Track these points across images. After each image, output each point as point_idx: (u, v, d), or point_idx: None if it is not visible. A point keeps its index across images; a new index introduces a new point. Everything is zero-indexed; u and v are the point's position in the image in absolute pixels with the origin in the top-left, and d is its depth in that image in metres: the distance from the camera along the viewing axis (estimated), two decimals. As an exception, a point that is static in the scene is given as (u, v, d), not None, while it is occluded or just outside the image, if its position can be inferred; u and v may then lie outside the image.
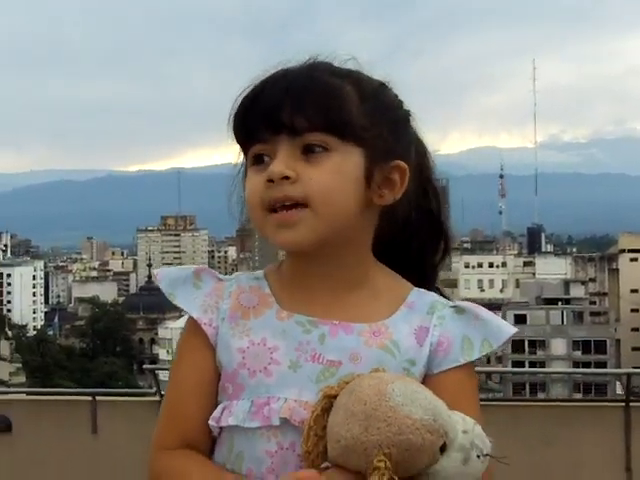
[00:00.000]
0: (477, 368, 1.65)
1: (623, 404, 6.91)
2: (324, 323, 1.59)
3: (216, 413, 1.58)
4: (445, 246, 1.74)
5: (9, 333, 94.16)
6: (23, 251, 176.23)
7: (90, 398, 7.43)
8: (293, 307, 1.61)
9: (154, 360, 76.24)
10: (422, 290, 1.66)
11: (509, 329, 1.64)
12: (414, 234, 1.70)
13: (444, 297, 1.69)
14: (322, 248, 1.57)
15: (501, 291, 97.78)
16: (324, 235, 1.56)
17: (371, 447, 1.38)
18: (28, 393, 9.77)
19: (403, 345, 1.58)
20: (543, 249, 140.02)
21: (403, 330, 1.60)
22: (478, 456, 1.44)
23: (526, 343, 70.93)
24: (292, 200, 1.53)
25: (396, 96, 1.66)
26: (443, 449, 1.41)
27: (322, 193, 1.53)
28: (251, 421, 1.54)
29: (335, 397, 1.45)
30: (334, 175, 1.54)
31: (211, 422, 1.58)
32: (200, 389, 1.61)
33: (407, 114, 1.67)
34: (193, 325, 1.64)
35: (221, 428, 1.58)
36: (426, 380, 1.56)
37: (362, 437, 1.38)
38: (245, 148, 1.63)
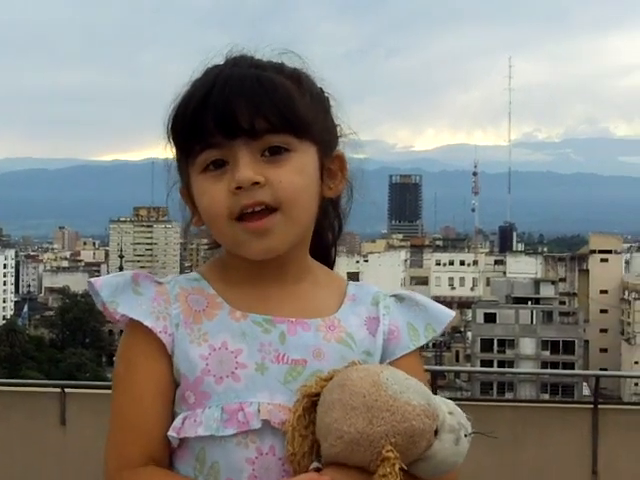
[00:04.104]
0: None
1: (591, 406, 6.96)
2: (281, 321, 1.55)
3: (176, 424, 1.50)
4: (339, 225, 1.73)
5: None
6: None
7: (59, 390, 7.40)
8: (244, 306, 1.56)
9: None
10: (358, 282, 1.68)
11: (449, 313, 1.68)
12: (321, 217, 1.66)
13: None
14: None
15: (472, 289, 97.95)
16: (296, 238, 1.55)
17: (378, 438, 1.37)
18: (-4, 384, 9.68)
19: (358, 337, 1.59)
20: (514, 248, 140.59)
21: (354, 322, 1.60)
22: (465, 435, 1.47)
23: (495, 342, 71.20)
24: (263, 205, 1.49)
25: (314, 82, 1.61)
26: (436, 432, 1.42)
27: (293, 195, 1.50)
28: (225, 429, 1.47)
29: (315, 396, 1.44)
30: (300, 175, 1.52)
31: (171, 433, 1.50)
32: (160, 400, 1.52)
33: (327, 99, 1.63)
34: (143, 333, 1.53)
35: (181, 439, 1.50)
36: None
37: (367, 429, 1.37)
38: (187, 151, 1.55)
